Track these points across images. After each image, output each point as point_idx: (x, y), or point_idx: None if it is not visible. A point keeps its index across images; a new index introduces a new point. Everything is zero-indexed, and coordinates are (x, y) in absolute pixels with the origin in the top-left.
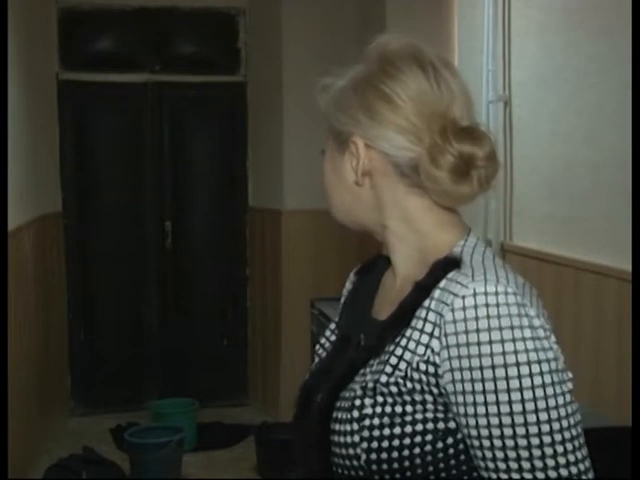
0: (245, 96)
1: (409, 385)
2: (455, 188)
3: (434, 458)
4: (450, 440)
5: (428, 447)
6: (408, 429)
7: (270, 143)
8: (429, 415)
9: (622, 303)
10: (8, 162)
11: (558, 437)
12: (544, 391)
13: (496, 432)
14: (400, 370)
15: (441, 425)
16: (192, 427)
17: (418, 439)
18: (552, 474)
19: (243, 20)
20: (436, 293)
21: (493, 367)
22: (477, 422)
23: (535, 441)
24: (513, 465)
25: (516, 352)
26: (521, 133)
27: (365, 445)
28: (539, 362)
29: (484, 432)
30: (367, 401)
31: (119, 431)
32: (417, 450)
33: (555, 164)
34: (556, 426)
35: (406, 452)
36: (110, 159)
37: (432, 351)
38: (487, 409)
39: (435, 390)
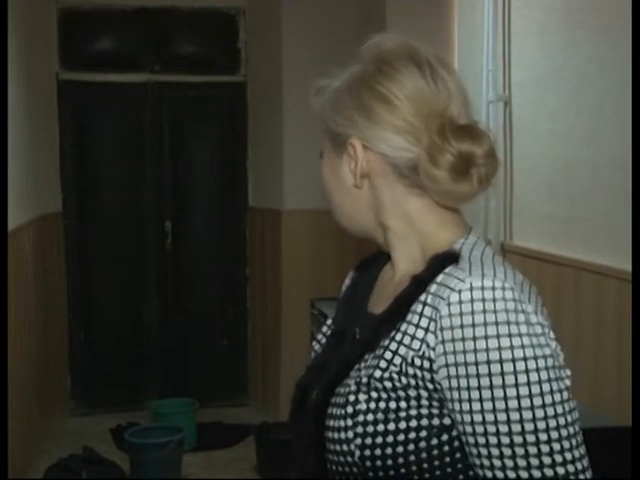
0: (245, 96)
1: (404, 380)
2: (455, 187)
3: (429, 455)
4: (445, 437)
5: (422, 444)
6: (402, 425)
7: (270, 143)
8: (424, 411)
9: (622, 303)
10: (8, 162)
11: (555, 435)
12: (540, 387)
13: (491, 428)
14: (395, 365)
15: (436, 421)
16: (192, 427)
17: (412, 435)
18: (548, 472)
19: (243, 20)
20: (433, 287)
21: (489, 362)
22: (472, 418)
23: (531, 438)
24: (509, 462)
25: (512, 347)
26: (521, 133)
27: (359, 441)
28: (535, 358)
29: (479, 428)
30: (361, 397)
31: (119, 431)
32: (411, 447)
33: (555, 164)
34: (552, 423)
35: (400, 448)
36: (110, 159)
37: (427, 346)
38: (482, 405)
39: (430, 385)
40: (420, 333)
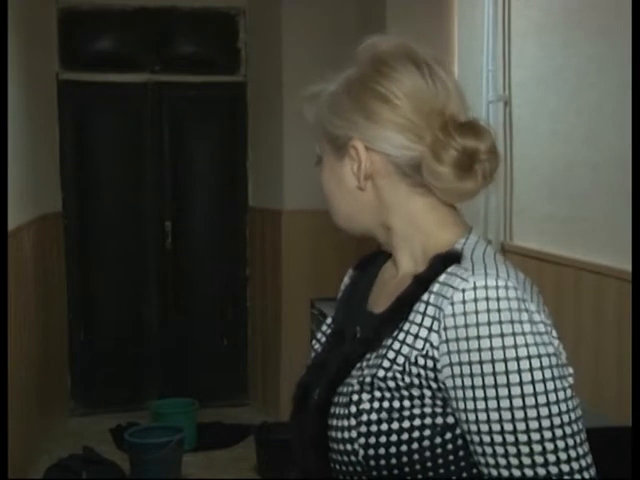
0: (245, 96)
1: (407, 380)
2: (459, 184)
3: (432, 453)
4: (448, 435)
5: (426, 442)
6: (406, 424)
7: (270, 143)
8: (427, 410)
9: (622, 303)
10: (8, 162)
11: (559, 432)
12: (544, 386)
13: (496, 427)
14: (398, 364)
15: (439, 420)
16: (192, 427)
17: (416, 434)
18: (553, 469)
19: (243, 20)
20: (435, 287)
21: (493, 361)
22: (477, 417)
23: (536, 436)
24: (513, 460)
25: (516, 346)
26: (521, 133)
27: (363, 441)
28: (539, 357)
29: (484, 427)
30: (365, 396)
31: (119, 431)
32: (415, 445)
33: (555, 164)
34: (556, 421)
35: (404, 447)
36: (110, 159)
37: (431, 345)
38: (487, 404)
39: (434, 385)
40: (423, 332)
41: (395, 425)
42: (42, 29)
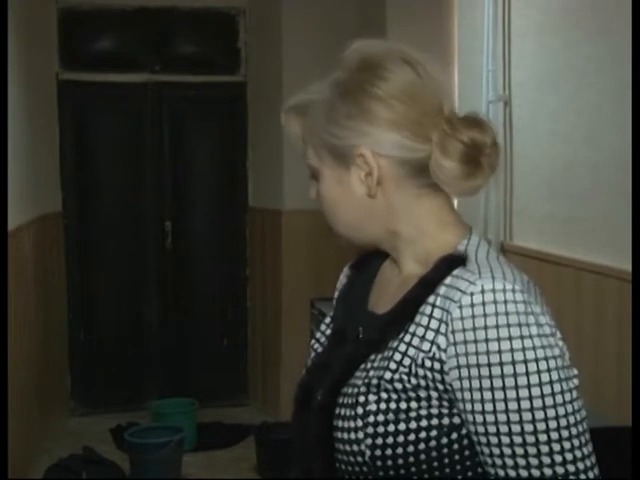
0: (245, 96)
1: (413, 381)
2: (468, 177)
3: (439, 454)
4: (455, 435)
5: (433, 443)
6: (413, 425)
7: (270, 143)
8: (434, 411)
9: (622, 303)
10: (8, 162)
11: (565, 433)
12: (552, 388)
13: (504, 429)
14: (404, 366)
15: (446, 421)
16: (192, 427)
17: (423, 435)
18: (559, 470)
19: (243, 20)
20: (441, 289)
21: (501, 364)
22: (485, 419)
23: (543, 437)
24: (521, 461)
25: (524, 349)
26: (521, 133)
27: (369, 441)
28: (546, 359)
29: (492, 429)
30: (371, 397)
31: (119, 431)
32: (422, 446)
33: (555, 164)
34: (563, 422)
35: (411, 448)
36: (110, 159)
37: (438, 348)
38: (495, 406)
39: (440, 386)
40: (430, 335)
41: (402, 426)
42: (42, 29)
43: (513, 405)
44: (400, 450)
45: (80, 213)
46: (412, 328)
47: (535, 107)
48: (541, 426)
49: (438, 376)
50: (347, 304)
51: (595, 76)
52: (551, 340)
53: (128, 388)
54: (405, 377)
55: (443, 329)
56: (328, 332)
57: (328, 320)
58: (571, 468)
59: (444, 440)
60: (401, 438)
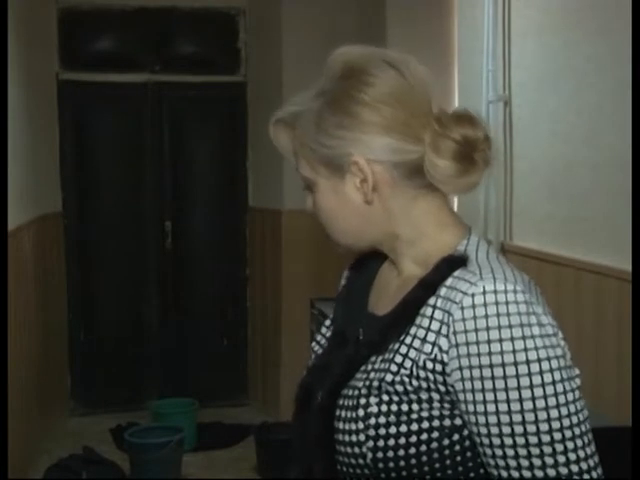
0: (245, 96)
1: (415, 383)
2: (463, 174)
3: (440, 455)
4: (456, 437)
5: (434, 444)
6: (414, 427)
7: (270, 143)
8: (435, 412)
9: (622, 303)
10: (8, 162)
11: (568, 433)
12: (554, 388)
13: (506, 430)
14: (405, 368)
15: (447, 422)
16: (192, 427)
17: (424, 437)
18: (563, 470)
19: (243, 20)
20: (442, 291)
21: (503, 365)
22: (487, 420)
23: (546, 438)
24: (524, 462)
25: (526, 350)
26: (521, 133)
27: (371, 444)
28: (548, 359)
29: (494, 430)
30: (372, 400)
31: (119, 431)
32: (423, 447)
33: (555, 164)
34: (566, 423)
35: (412, 450)
36: (110, 159)
37: (439, 349)
38: (497, 407)
39: (442, 388)
40: (431, 336)
41: (403, 428)
42: (42, 29)
43: (516, 406)
44: (402, 452)
45: (80, 213)
46: (413, 330)
47: (535, 107)
48: (544, 427)
49: (440, 378)
50: (347, 305)
51: (595, 76)
52: (553, 340)
53: (128, 388)
54: (406, 379)
55: (444, 331)
56: (328, 334)
57: (328, 322)
58: (574, 468)
59: (446, 442)
60: (402, 440)
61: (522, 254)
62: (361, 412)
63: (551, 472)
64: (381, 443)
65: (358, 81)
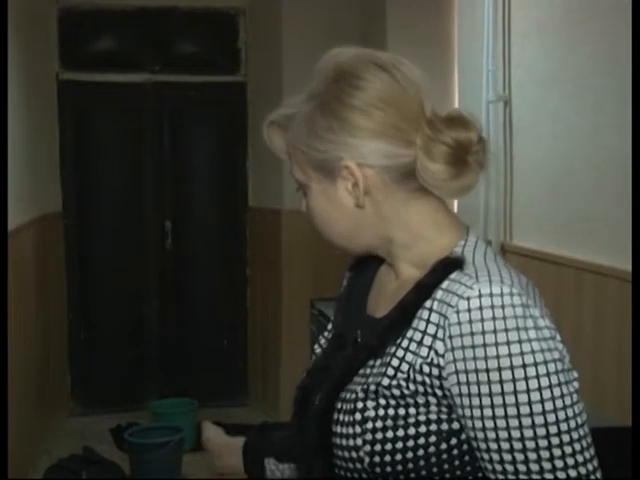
0: (245, 96)
1: (412, 387)
2: (456, 178)
3: (438, 459)
4: (454, 441)
5: (432, 449)
6: (411, 431)
7: None
8: (432, 417)
9: (622, 303)
10: (8, 162)
11: (566, 438)
12: (551, 392)
13: (503, 434)
14: (402, 372)
15: (445, 426)
16: (192, 427)
17: (422, 441)
18: (561, 475)
19: (243, 20)
20: (438, 294)
21: (499, 369)
22: (484, 424)
23: (543, 443)
24: (521, 467)
25: (522, 353)
26: (521, 133)
27: (368, 448)
28: (545, 363)
29: (491, 434)
30: (369, 404)
31: (119, 431)
32: (421, 452)
33: (555, 164)
34: (564, 427)
35: (410, 454)
36: (110, 159)
37: (436, 353)
38: (494, 411)
39: (439, 392)
40: (427, 340)
41: (400, 432)
42: (42, 29)
43: (512, 410)
44: (399, 456)
45: (80, 213)
46: (409, 333)
47: (535, 107)
48: (541, 431)
49: (436, 382)
50: (346, 308)
51: (596, 76)
52: (550, 343)
53: (128, 388)
54: (403, 383)
55: (440, 334)
56: (330, 336)
57: (330, 326)
58: (572, 473)
59: (443, 446)
60: (400, 444)
61: (522, 254)
62: (358, 416)
63: (549, 477)
64: (378, 447)
65: (349, 85)
